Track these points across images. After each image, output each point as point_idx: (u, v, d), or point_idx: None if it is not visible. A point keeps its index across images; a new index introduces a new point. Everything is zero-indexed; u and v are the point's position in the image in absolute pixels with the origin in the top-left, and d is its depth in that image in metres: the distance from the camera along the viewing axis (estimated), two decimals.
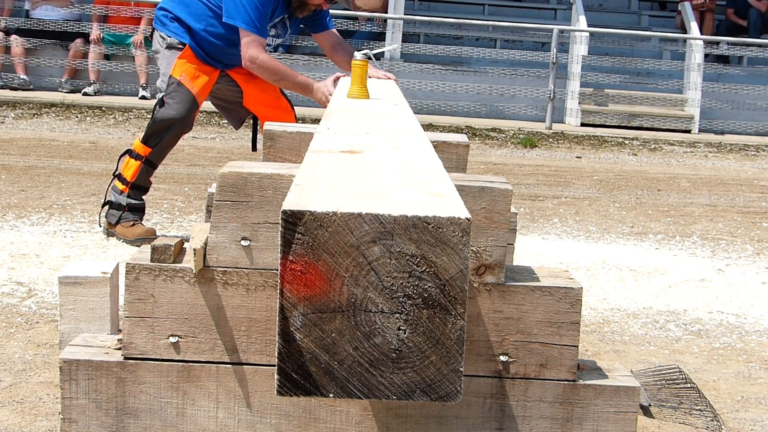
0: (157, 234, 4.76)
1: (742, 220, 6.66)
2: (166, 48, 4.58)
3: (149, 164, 4.61)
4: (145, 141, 4.57)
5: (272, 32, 4.51)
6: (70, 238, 4.90)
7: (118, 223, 4.69)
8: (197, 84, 4.51)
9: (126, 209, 4.67)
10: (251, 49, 4.29)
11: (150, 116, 4.67)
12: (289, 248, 1.53)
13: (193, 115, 4.53)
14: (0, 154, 7.52)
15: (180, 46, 4.53)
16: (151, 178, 4.73)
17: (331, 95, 4.15)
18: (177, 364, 2.25)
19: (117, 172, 4.71)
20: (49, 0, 10.90)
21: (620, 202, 7.11)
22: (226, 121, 9.48)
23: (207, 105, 5.64)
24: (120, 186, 4.67)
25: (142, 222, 4.76)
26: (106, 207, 4.74)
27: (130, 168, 4.62)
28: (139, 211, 4.71)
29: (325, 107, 4.22)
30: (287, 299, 1.54)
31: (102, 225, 4.81)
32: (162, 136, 4.52)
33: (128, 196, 4.65)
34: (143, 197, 4.73)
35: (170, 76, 4.51)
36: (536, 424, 2.27)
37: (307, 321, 1.55)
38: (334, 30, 4.79)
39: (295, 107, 4.85)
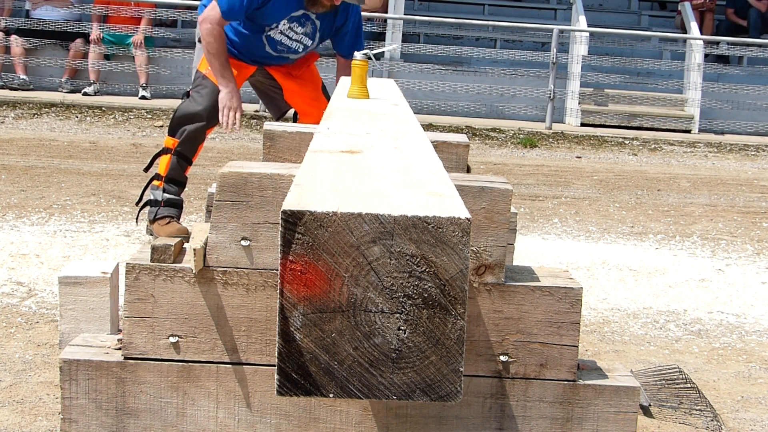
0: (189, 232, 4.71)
1: (742, 220, 6.66)
2: (198, 41, 4.61)
3: (180, 156, 4.57)
4: (171, 133, 4.57)
5: (298, 29, 4.50)
6: (70, 238, 4.90)
7: (155, 220, 4.62)
8: None
9: (162, 204, 4.61)
10: (207, 13, 4.37)
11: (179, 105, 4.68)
12: (289, 248, 1.53)
13: (217, 108, 4.51)
14: (0, 154, 7.52)
15: None
16: (187, 173, 4.69)
17: (230, 111, 4.42)
18: (177, 364, 2.25)
19: (155, 172, 4.69)
20: (49, 0, 10.90)
21: (620, 202, 7.11)
22: None
23: None
24: (156, 182, 4.64)
25: (179, 220, 4.70)
26: (147, 207, 4.69)
27: (163, 163, 4.62)
28: (175, 206, 4.63)
29: (222, 116, 4.47)
30: (287, 299, 1.54)
31: (144, 223, 4.79)
32: (185, 127, 4.51)
33: (164, 191, 4.58)
34: (180, 192, 4.68)
35: (197, 70, 4.55)
36: (536, 424, 2.27)
37: (307, 321, 1.55)
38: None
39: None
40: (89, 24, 10.86)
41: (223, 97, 4.44)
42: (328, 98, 4.79)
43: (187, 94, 4.56)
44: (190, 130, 4.53)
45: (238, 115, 4.50)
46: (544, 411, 2.26)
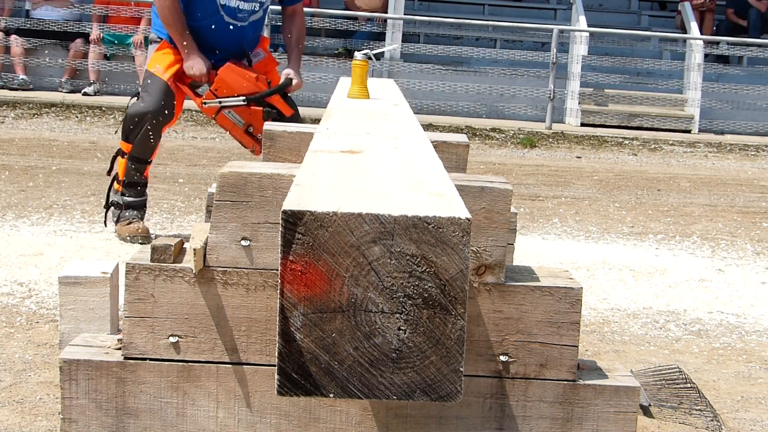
0: (152, 233, 4.76)
1: (742, 220, 6.66)
2: (150, 44, 4.64)
3: (135, 160, 4.59)
4: (125, 138, 4.56)
5: None
6: (70, 238, 4.90)
7: (118, 221, 4.72)
8: (170, 72, 4.49)
9: (124, 207, 4.69)
10: None
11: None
12: (290, 248, 1.53)
13: (168, 104, 4.48)
14: (0, 154, 7.53)
15: (158, 40, 4.56)
16: (147, 173, 4.70)
17: (200, 76, 4.42)
18: (177, 364, 2.25)
19: (114, 173, 4.72)
20: (49, 0, 10.90)
21: (620, 202, 7.11)
22: None
23: None
24: (116, 185, 4.69)
25: (142, 219, 4.75)
26: (112, 208, 4.75)
27: (120, 166, 4.64)
28: (138, 208, 4.71)
29: (194, 79, 4.46)
30: (287, 299, 1.54)
31: (110, 226, 4.85)
32: (136, 130, 4.50)
33: (122, 194, 4.67)
34: (142, 194, 4.72)
35: (146, 69, 4.55)
36: (536, 424, 2.27)
37: (307, 321, 1.55)
38: (299, 6, 4.84)
39: (298, 108, 4.81)
40: (89, 24, 10.86)
41: (188, 67, 4.45)
42: (292, 105, 4.74)
43: (136, 95, 4.55)
44: (143, 132, 4.51)
45: (205, 78, 4.51)
46: (544, 411, 2.27)
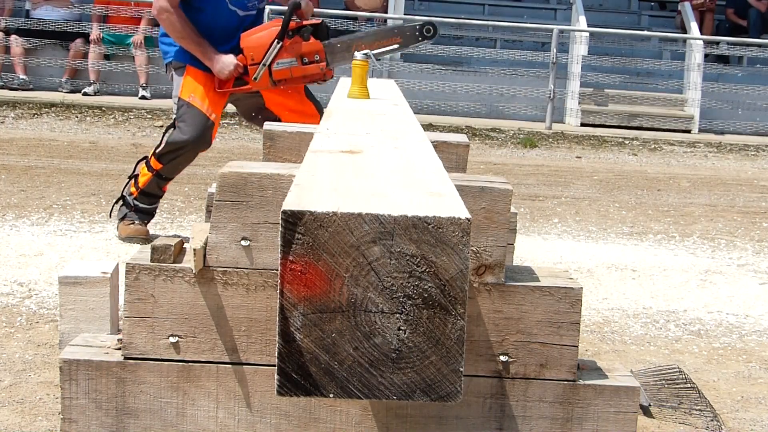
0: (150, 234, 4.77)
1: (742, 220, 6.66)
2: (174, 72, 4.62)
3: (160, 177, 4.66)
4: (158, 158, 4.59)
5: None
6: (70, 238, 4.90)
7: (122, 220, 4.75)
8: (208, 98, 4.50)
9: (133, 209, 4.72)
10: (158, 3, 4.38)
11: (162, 133, 4.67)
12: (289, 248, 1.53)
13: (207, 133, 4.50)
14: (0, 154, 7.53)
15: (182, 66, 4.55)
16: (166, 188, 4.77)
17: (235, 70, 4.41)
18: (177, 364, 2.25)
19: (135, 173, 4.74)
20: (49, 0, 10.90)
21: (620, 202, 7.12)
22: (226, 122, 9.48)
23: None
24: (132, 188, 4.72)
25: (147, 224, 4.78)
26: (120, 202, 4.79)
27: (143, 176, 4.68)
28: (147, 214, 4.76)
29: (231, 76, 4.45)
30: (287, 299, 1.54)
31: (114, 220, 4.89)
32: (174, 156, 4.55)
33: (136, 199, 4.70)
34: (154, 203, 4.77)
35: (179, 98, 4.53)
36: (536, 424, 2.27)
37: (307, 321, 1.55)
38: None
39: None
40: (89, 24, 10.87)
41: (219, 70, 4.44)
42: (316, 104, 4.74)
43: (173, 125, 4.55)
44: (179, 159, 4.57)
45: (240, 68, 4.49)
46: (544, 411, 2.26)
